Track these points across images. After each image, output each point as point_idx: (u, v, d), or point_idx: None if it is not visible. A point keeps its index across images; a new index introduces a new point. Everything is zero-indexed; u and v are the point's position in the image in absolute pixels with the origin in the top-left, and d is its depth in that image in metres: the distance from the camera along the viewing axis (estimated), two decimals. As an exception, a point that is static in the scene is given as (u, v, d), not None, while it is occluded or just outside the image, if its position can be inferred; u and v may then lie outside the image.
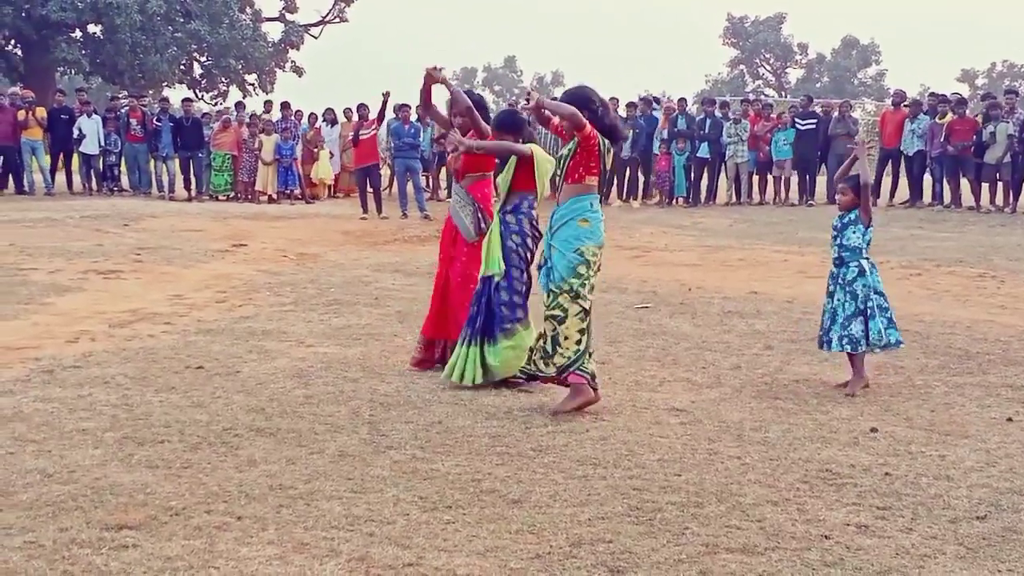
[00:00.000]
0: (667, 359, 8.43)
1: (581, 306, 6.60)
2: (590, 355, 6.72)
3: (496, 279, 7.30)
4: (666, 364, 8.26)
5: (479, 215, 7.68)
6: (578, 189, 6.70)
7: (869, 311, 7.34)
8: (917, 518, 4.90)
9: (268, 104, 26.46)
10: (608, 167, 6.87)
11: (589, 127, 6.59)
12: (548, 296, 6.69)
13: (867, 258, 7.50)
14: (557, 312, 6.61)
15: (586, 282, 6.61)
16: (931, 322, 10.03)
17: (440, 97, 8.14)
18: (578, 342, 6.61)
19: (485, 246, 7.36)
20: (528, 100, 7.12)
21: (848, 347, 7.39)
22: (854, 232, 7.45)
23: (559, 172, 6.79)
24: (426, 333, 7.94)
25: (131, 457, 5.61)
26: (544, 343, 6.72)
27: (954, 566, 4.36)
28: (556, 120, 7.00)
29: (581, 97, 6.78)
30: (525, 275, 7.40)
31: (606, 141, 6.70)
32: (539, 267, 6.85)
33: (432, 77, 7.80)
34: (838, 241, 7.55)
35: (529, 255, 7.41)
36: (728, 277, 13.33)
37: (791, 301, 11.31)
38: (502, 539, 4.54)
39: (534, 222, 7.44)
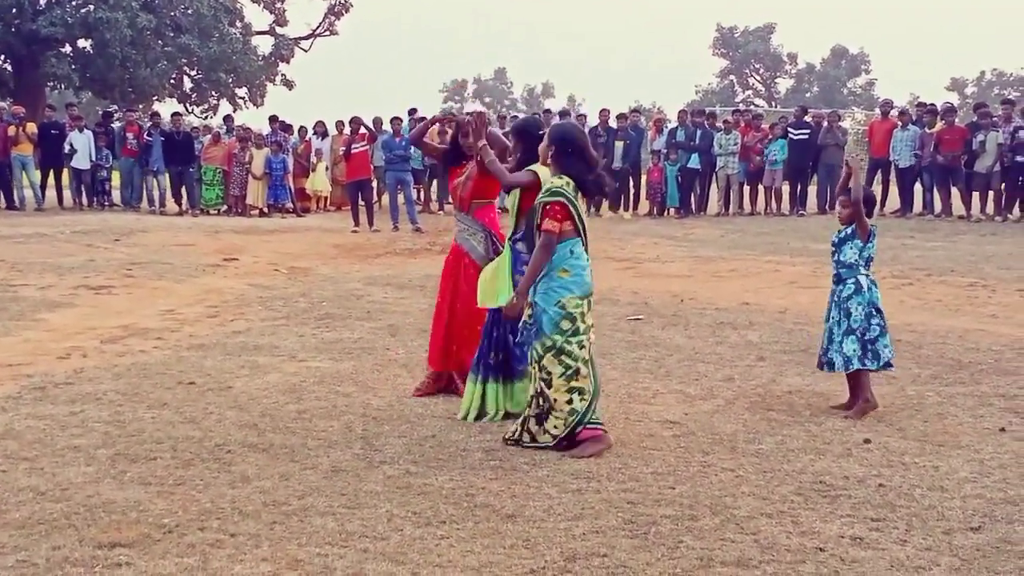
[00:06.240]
0: (660, 371, 8.43)
1: (566, 364, 6.15)
2: (591, 405, 6.29)
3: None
4: (659, 376, 8.26)
5: (492, 240, 7.49)
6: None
7: (873, 329, 7.18)
8: (911, 530, 4.90)
9: (273, 119, 25.60)
10: (582, 214, 6.31)
11: (549, 222, 6.17)
12: (533, 355, 6.28)
13: (866, 274, 7.30)
14: (544, 375, 6.21)
15: (572, 338, 6.16)
16: (923, 332, 10.05)
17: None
18: (568, 401, 6.17)
19: (488, 273, 6.88)
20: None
21: (843, 367, 7.23)
22: (851, 248, 7.29)
23: (535, 221, 6.31)
24: (434, 366, 7.71)
25: (124, 474, 5.60)
26: (537, 405, 6.29)
27: (949, 578, 4.36)
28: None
29: (563, 138, 6.36)
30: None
31: (569, 188, 6.23)
32: (524, 323, 6.41)
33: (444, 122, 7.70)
34: (836, 257, 7.41)
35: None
36: (720, 288, 13.35)
37: (783, 312, 11.33)
38: (497, 554, 4.54)
39: None
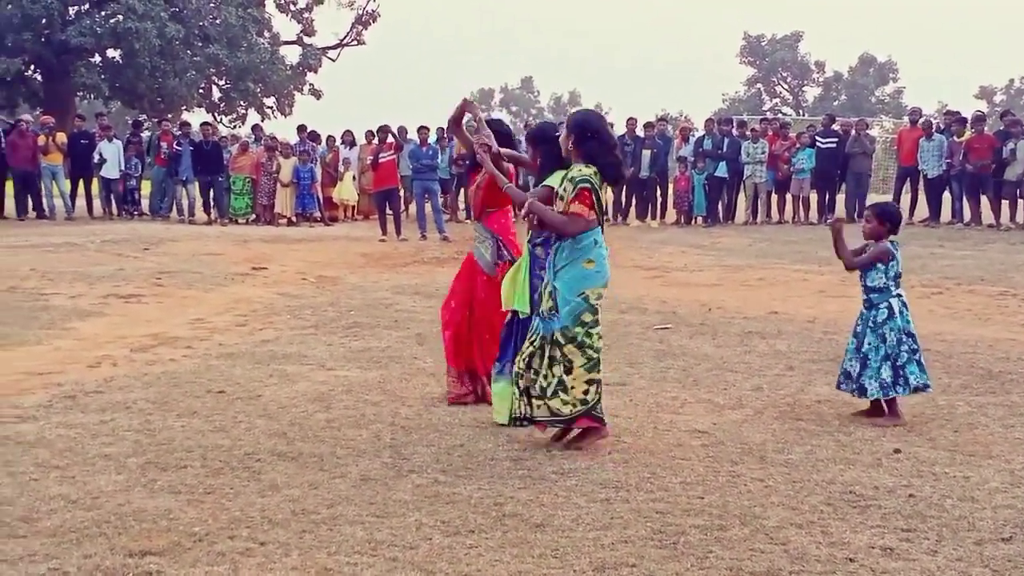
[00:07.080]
0: (688, 380, 8.41)
1: (588, 356, 6.25)
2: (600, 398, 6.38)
3: (521, 316, 6.88)
4: (687, 385, 8.24)
5: (499, 245, 7.47)
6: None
7: (903, 355, 7.09)
8: (942, 540, 4.86)
9: (302, 128, 25.66)
10: (603, 204, 6.44)
11: (579, 205, 6.24)
12: (550, 340, 6.26)
13: (898, 294, 7.22)
14: (565, 361, 6.24)
15: (592, 329, 6.25)
16: (952, 341, 9.99)
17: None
18: (585, 392, 6.26)
19: (510, 278, 6.95)
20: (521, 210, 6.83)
21: (879, 393, 7.12)
22: (876, 272, 7.19)
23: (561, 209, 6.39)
24: (456, 364, 7.65)
25: (154, 483, 5.62)
26: (539, 381, 6.30)
27: (981, 589, 4.33)
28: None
29: (580, 124, 6.43)
30: None
31: (596, 177, 6.30)
32: (539, 313, 6.42)
33: (468, 106, 7.74)
34: (864, 283, 7.30)
35: None
36: (748, 297, 13.30)
37: (812, 321, 11.28)
38: (525, 563, 4.53)
39: None
